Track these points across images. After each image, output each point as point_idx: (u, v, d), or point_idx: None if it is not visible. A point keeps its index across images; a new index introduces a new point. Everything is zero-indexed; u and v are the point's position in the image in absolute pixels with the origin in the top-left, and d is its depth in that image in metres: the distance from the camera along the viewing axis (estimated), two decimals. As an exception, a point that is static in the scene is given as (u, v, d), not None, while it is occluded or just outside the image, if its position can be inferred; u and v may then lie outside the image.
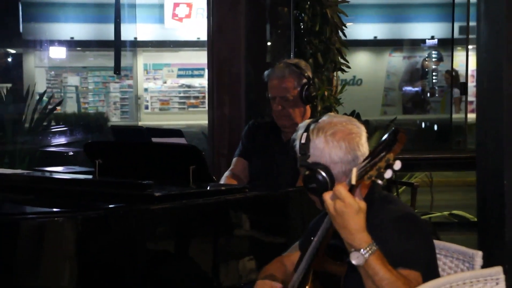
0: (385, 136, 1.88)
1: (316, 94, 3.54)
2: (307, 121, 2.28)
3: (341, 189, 1.91)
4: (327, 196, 1.95)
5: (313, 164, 2.14)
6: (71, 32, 18.29)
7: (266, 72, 3.58)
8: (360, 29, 15.22)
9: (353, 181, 1.90)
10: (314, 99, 3.55)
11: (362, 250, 1.92)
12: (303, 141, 2.19)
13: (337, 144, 2.17)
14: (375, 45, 16.54)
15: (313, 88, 3.51)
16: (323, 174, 2.11)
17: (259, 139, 3.68)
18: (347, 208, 1.91)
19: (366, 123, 2.28)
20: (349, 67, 5.36)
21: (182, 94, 21.97)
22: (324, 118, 2.23)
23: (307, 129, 2.20)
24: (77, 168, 3.96)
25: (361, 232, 1.92)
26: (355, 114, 5.51)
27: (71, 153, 8.54)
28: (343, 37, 5.36)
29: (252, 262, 3.10)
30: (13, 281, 2.55)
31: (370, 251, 1.92)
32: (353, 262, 1.93)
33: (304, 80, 3.50)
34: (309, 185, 2.13)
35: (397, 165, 1.84)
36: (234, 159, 3.76)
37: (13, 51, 18.75)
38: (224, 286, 3.01)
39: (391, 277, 1.92)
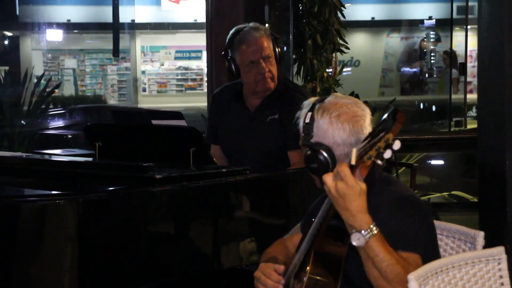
0: (384, 116, 1.87)
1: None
2: (312, 99, 2.27)
3: (346, 169, 1.91)
4: (328, 178, 1.94)
5: (316, 144, 2.14)
6: (68, 15, 18.21)
7: (238, 37, 3.44)
8: (357, 10, 15.18)
9: (353, 161, 1.90)
10: (282, 58, 3.51)
11: (363, 231, 1.92)
12: (307, 120, 2.18)
13: (341, 126, 2.16)
14: (373, 26, 16.49)
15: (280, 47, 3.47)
16: (325, 154, 2.11)
17: (225, 114, 3.59)
18: (349, 190, 1.90)
19: (366, 104, 2.28)
20: (348, 48, 5.35)
21: (179, 77, 21.93)
22: (330, 99, 2.22)
23: (312, 109, 2.20)
24: (77, 151, 3.96)
25: (362, 214, 1.92)
26: (354, 95, 5.50)
27: (70, 136, 8.54)
28: (342, 18, 5.35)
29: (252, 244, 3.11)
30: (15, 263, 2.55)
31: (371, 233, 1.92)
32: (354, 243, 1.93)
33: (271, 39, 3.44)
34: (310, 165, 2.13)
35: (397, 145, 1.84)
36: (211, 146, 3.68)
37: (9, 34, 18.68)
38: (225, 268, 3.02)
39: (390, 259, 1.93)
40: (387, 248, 1.94)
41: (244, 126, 3.52)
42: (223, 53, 3.52)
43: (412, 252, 2.03)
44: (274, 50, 3.43)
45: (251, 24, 3.48)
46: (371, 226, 1.92)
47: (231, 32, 3.50)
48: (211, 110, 3.69)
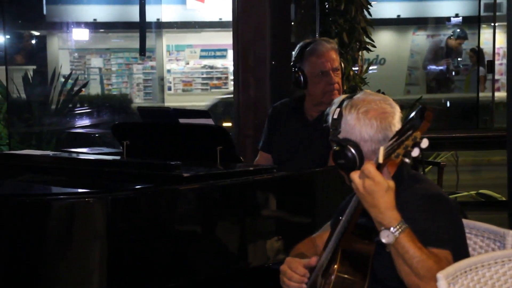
0: (412, 114, 1.87)
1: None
2: (341, 97, 2.27)
3: (370, 167, 1.90)
4: (355, 175, 1.94)
5: (343, 140, 2.14)
6: (94, 14, 18.33)
7: (306, 50, 3.50)
8: (383, 8, 15.09)
9: (380, 160, 1.90)
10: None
11: (392, 228, 1.91)
12: (335, 116, 2.18)
13: (368, 122, 2.16)
14: (399, 24, 16.39)
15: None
16: (353, 151, 2.11)
17: (281, 123, 3.65)
18: (377, 187, 1.90)
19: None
20: (374, 46, 5.33)
21: (204, 75, 21.98)
22: (359, 95, 2.22)
23: (340, 105, 2.20)
24: (104, 149, 3.99)
25: (391, 210, 1.92)
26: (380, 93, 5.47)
27: (97, 135, 8.60)
28: (368, 16, 5.32)
29: (279, 242, 3.11)
30: (44, 261, 2.58)
31: (400, 229, 1.91)
32: (383, 240, 1.92)
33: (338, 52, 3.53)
34: (338, 161, 2.13)
35: (424, 143, 1.83)
36: (259, 153, 3.74)
37: (37, 34, 18.84)
38: (251, 266, 3.02)
39: (421, 255, 1.92)
40: (417, 244, 1.93)
41: (301, 135, 3.56)
42: (291, 64, 3.56)
43: (443, 248, 2.02)
44: (340, 64, 3.49)
45: (321, 38, 3.56)
46: (400, 222, 1.91)
47: (300, 44, 3.57)
48: (269, 120, 3.74)
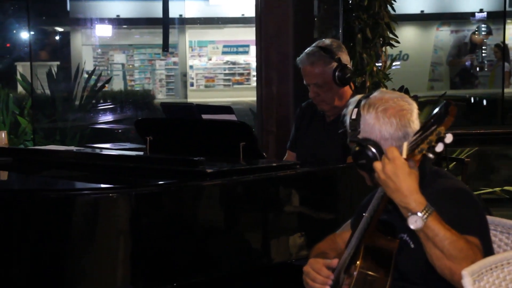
0: (436, 110, 1.86)
1: (351, 75, 3.44)
2: (357, 97, 2.26)
3: (393, 149, 1.91)
4: (377, 163, 1.94)
5: (363, 140, 2.13)
6: (117, 10, 18.42)
7: (297, 59, 3.50)
8: (406, 3, 15.00)
9: (404, 155, 1.89)
10: (349, 80, 3.45)
11: (419, 213, 1.89)
12: (353, 116, 2.18)
13: (388, 121, 2.15)
14: (422, 19, 16.28)
15: (347, 69, 3.39)
16: (373, 150, 2.10)
17: (305, 121, 3.66)
18: (398, 169, 1.89)
19: (415, 99, 2.25)
20: (398, 42, 5.29)
21: (227, 71, 22.01)
22: (376, 94, 2.21)
23: (358, 105, 2.19)
24: (128, 145, 4.01)
25: (415, 194, 1.90)
26: (403, 89, 5.44)
27: (120, 130, 8.64)
28: (391, 12, 5.29)
29: (302, 238, 3.11)
30: (69, 256, 2.59)
31: (427, 213, 1.89)
32: (412, 226, 1.90)
33: (334, 64, 3.39)
34: (358, 161, 2.12)
35: (449, 138, 1.82)
36: (287, 151, 3.75)
37: (61, 30, 18.97)
38: (274, 262, 3.02)
39: (452, 236, 1.90)
40: (446, 226, 1.91)
41: (321, 136, 3.55)
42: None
43: (471, 235, 1.99)
44: (333, 75, 3.39)
45: (317, 43, 3.49)
46: (426, 206, 1.90)
47: None
48: (296, 120, 3.75)
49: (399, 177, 1.90)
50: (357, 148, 2.13)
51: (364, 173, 2.20)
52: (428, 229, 1.90)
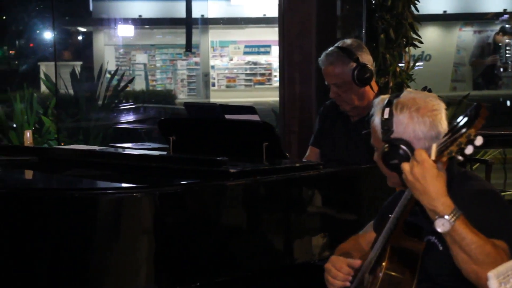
0: (467, 111, 1.85)
1: (371, 75, 3.43)
2: (383, 97, 2.25)
3: (422, 151, 1.90)
4: (405, 164, 1.94)
5: (396, 140, 2.12)
6: (140, 10, 18.51)
7: (319, 59, 3.50)
8: (429, 3, 14.93)
9: (433, 157, 1.88)
10: (368, 80, 3.44)
11: (446, 216, 1.88)
12: (386, 116, 2.16)
13: (421, 120, 2.14)
14: (445, 19, 16.21)
15: (366, 69, 3.37)
16: (406, 149, 2.09)
17: (328, 121, 3.65)
18: (426, 172, 1.88)
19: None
20: (421, 42, 5.27)
21: (248, 71, 22.04)
22: (406, 94, 2.20)
23: (389, 104, 2.17)
24: (151, 145, 4.02)
25: (443, 197, 1.89)
26: (427, 90, 5.41)
27: (143, 130, 8.68)
28: (415, 12, 5.26)
29: (325, 239, 3.11)
30: (93, 255, 2.61)
31: (455, 216, 1.88)
32: (439, 229, 1.89)
33: (352, 64, 3.38)
34: (390, 161, 2.11)
35: (479, 140, 1.81)
36: (309, 148, 3.74)
37: (83, 30, 19.10)
38: (297, 262, 3.02)
39: (479, 240, 1.89)
40: (473, 230, 1.90)
41: (343, 135, 3.55)
42: None
43: (497, 238, 1.98)
44: (352, 75, 3.38)
45: (338, 44, 3.48)
46: (454, 209, 1.89)
47: None
48: (319, 117, 3.74)
49: (427, 179, 1.89)
50: (389, 148, 2.12)
51: (390, 173, 2.19)
52: (455, 233, 1.89)
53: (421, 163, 1.89)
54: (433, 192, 1.89)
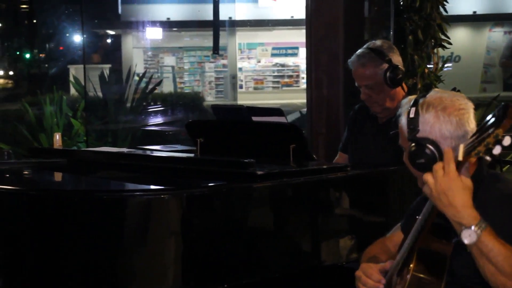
0: (494, 111, 1.83)
1: (403, 77, 3.41)
2: (410, 97, 2.24)
3: (450, 162, 1.87)
4: (428, 176, 1.91)
5: (422, 139, 2.11)
6: (168, 13, 18.61)
7: (348, 61, 3.49)
8: (458, 4, 14.82)
9: (460, 157, 1.86)
10: (400, 81, 3.42)
11: (473, 227, 1.86)
12: (411, 115, 2.15)
13: (448, 119, 2.12)
14: (474, 20, 16.08)
15: (398, 70, 3.36)
16: (432, 149, 2.07)
17: (358, 124, 3.64)
18: (451, 183, 1.86)
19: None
20: (450, 44, 5.23)
21: (276, 73, 22.06)
22: (432, 93, 2.19)
23: (415, 104, 2.16)
24: (178, 147, 4.04)
25: (468, 208, 1.87)
26: (456, 91, 5.36)
27: (171, 132, 8.73)
28: (444, 13, 5.23)
29: (352, 241, 3.09)
30: (121, 256, 2.62)
31: (481, 228, 1.86)
32: (465, 241, 1.87)
33: (385, 65, 3.37)
34: (416, 161, 2.10)
35: (507, 141, 1.79)
36: (338, 153, 3.74)
37: (112, 33, 19.25)
38: (325, 265, 3.01)
39: (506, 252, 1.86)
40: (500, 241, 1.87)
41: (372, 136, 3.54)
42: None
43: None
44: (384, 77, 3.37)
45: (368, 44, 3.48)
46: (480, 221, 1.87)
47: None
48: (349, 122, 3.75)
49: (452, 190, 1.87)
50: (415, 148, 2.11)
51: (420, 173, 2.17)
52: (482, 244, 1.87)
53: (447, 175, 1.87)
54: (459, 204, 1.87)
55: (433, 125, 2.12)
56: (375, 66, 3.38)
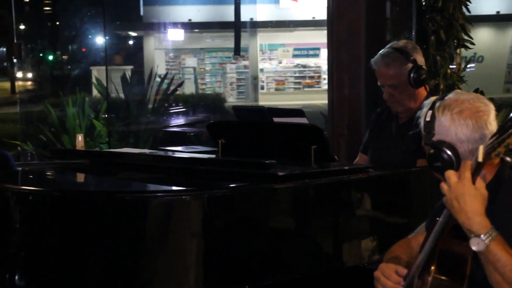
0: None
1: (426, 77, 3.40)
2: (432, 98, 2.22)
3: (467, 168, 1.87)
4: (443, 184, 1.93)
5: (438, 143, 2.10)
6: (189, 14, 18.66)
7: (372, 60, 3.48)
8: (481, 4, 14.71)
9: (480, 159, 1.85)
10: (424, 81, 3.41)
11: (482, 236, 1.86)
12: (428, 119, 2.14)
13: (463, 122, 2.10)
14: (498, 20, 15.96)
15: (422, 70, 3.35)
16: (449, 152, 2.06)
17: (379, 124, 3.63)
18: (465, 190, 1.87)
19: (491, 101, 2.20)
20: (473, 44, 5.19)
21: (297, 74, 22.04)
22: (451, 96, 2.17)
23: (432, 107, 2.15)
24: (200, 148, 4.05)
25: (478, 217, 1.87)
26: (478, 92, 5.33)
27: (192, 133, 8.75)
28: (467, 13, 5.19)
29: (374, 242, 3.08)
30: (143, 256, 2.63)
31: (490, 237, 1.86)
32: (473, 248, 1.88)
33: (409, 65, 3.36)
34: (434, 164, 2.09)
35: None
36: (359, 154, 3.73)
37: (134, 34, 19.34)
38: (346, 266, 3.00)
39: None
40: (510, 252, 1.87)
41: (392, 136, 3.53)
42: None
43: None
44: (408, 77, 3.36)
45: (392, 44, 3.47)
46: (490, 230, 1.87)
47: None
48: (371, 123, 3.75)
49: (465, 198, 1.87)
50: (432, 151, 2.10)
51: (439, 175, 2.16)
52: (490, 253, 1.87)
53: (461, 181, 1.88)
54: (470, 212, 1.88)
55: (448, 128, 2.11)
56: (399, 66, 3.37)
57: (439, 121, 2.12)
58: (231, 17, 11.18)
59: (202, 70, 20.95)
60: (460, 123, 2.10)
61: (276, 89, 21.79)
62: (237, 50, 10.07)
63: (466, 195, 1.87)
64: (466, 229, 1.90)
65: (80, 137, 3.92)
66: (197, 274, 2.65)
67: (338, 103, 4.96)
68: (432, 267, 2.05)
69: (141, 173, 3.32)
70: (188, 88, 17.74)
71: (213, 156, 3.55)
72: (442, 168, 2.05)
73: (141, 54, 18.45)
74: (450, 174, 1.90)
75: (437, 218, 2.10)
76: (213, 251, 2.65)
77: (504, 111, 5.76)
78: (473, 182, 1.90)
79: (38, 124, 8.87)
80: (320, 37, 15.46)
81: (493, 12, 15.50)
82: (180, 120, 9.94)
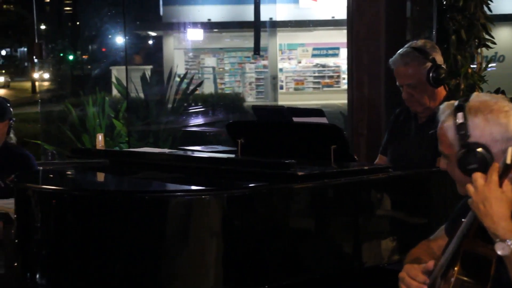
0: None
1: (445, 76, 3.38)
2: (448, 103, 2.21)
3: (494, 170, 1.86)
4: (470, 184, 1.91)
5: (473, 144, 2.08)
6: (209, 14, 18.68)
7: (390, 60, 3.47)
8: (503, 3, 14.60)
9: (508, 160, 1.84)
10: (443, 81, 3.39)
11: (507, 241, 1.85)
12: (460, 120, 2.12)
13: (497, 122, 2.09)
14: (519, 19, 15.81)
15: (442, 70, 3.34)
16: (485, 153, 2.04)
17: (398, 124, 3.62)
18: (490, 193, 1.86)
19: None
20: (494, 43, 5.15)
21: (316, 74, 22.00)
22: (474, 97, 2.15)
23: (461, 109, 2.13)
24: (219, 147, 4.05)
25: (505, 221, 1.86)
26: (500, 92, 5.29)
27: (211, 133, 8.77)
28: (488, 12, 5.15)
29: (394, 243, 3.07)
30: (163, 256, 2.64)
31: None
32: (499, 252, 1.86)
33: (428, 64, 3.34)
34: (468, 166, 2.07)
35: None
36: (378, 156, 3.72)
37: (154, 34, 19.41)
38: (366, 266, 2.99)
39: None
40: None
41: (411, 136, 3.52)
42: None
43: None
44: (427, 76, 3.35)
45: (411, 44, 3.45)
46: None
47: None
48: (390, 124, 3.74)
49: (491, 202, 1.86)
50: (466, 153, 2.08)
51: (464, 179, 2.14)
52: None
53: (487, 185, 1.86)
54: (495, 216, 1.86)
55: (483, 129, 2.09)
56: (418, 65, 3.36)
57: (472, 123, 2.10)
58: (250, 17, 11.19)
59: (221, 69, 20.98)
60: (495, 123, 2.09)
61: (295, 89, 21.77)
62: (257, 50, 10.08)
63: (492, 199, 1.85)
64: (491, 233, 1.88)
65: (100, 137, 3.94)
66: (216, 273, 2.65)
67: (358, 103, 4.94)
68: (456, 268, 2.04)
69: (161, 173, 3.33)
70: (207, 88, 17.75)
71: (232, 156, 3.55)
72: (477, 171, 2.03)
73: (161, 54, 18.51)
74: (477, 177, 1.88)
75: (462, 219, 2.09)
76: (232, 250, 2.65)
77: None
78: (500, 185, 1.89)
79: (58, 123, 8.92)
80: (339, 36, 15.42)
81: (515, 11, 15.37)
82: (199, 120, 9.96)
